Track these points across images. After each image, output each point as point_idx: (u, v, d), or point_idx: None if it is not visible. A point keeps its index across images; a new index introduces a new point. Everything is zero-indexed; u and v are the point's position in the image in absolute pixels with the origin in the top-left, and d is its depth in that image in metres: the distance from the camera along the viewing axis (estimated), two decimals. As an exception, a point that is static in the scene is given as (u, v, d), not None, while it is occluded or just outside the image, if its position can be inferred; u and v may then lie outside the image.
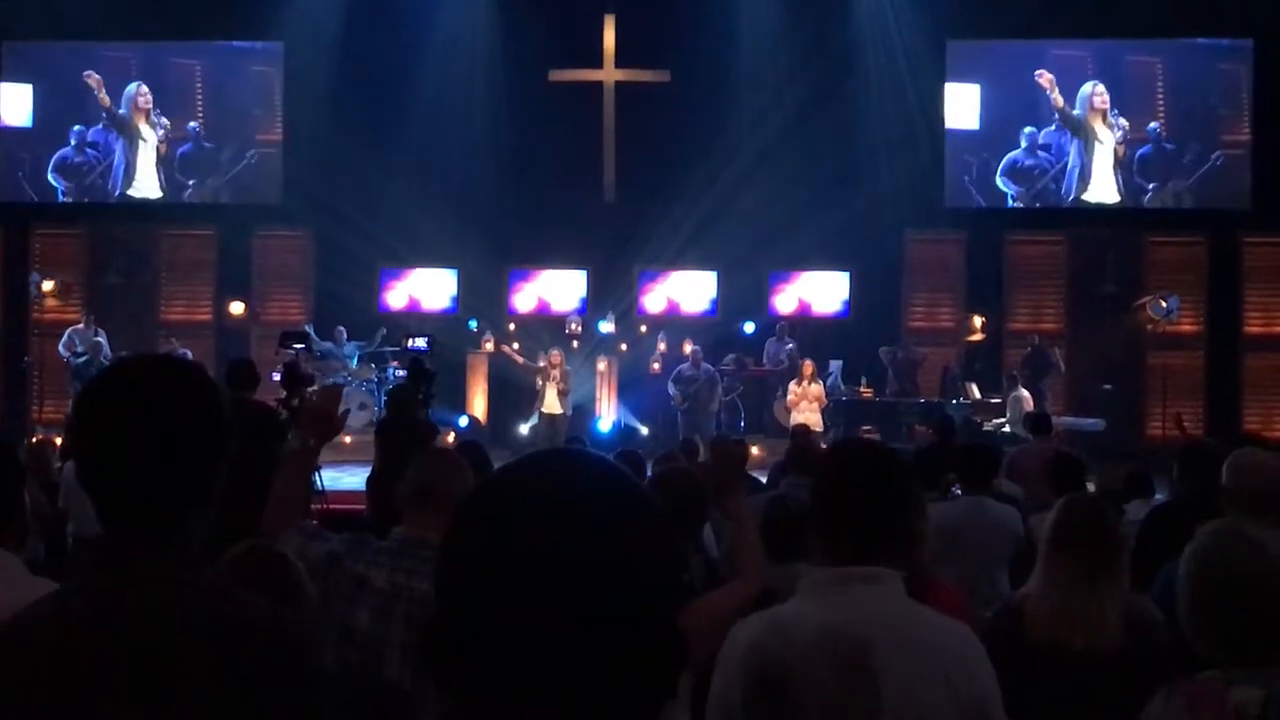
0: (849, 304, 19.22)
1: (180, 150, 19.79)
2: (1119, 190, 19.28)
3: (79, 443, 1.87)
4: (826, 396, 16.52)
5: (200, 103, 19.85)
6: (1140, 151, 19.25)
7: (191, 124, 19.79)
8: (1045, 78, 19.10)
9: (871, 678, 1.98)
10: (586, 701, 1.13)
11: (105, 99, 19.65)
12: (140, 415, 1.82)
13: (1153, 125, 19.17)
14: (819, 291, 19.37)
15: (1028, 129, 19.33)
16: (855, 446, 3.11)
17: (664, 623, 1.17)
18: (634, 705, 1.16)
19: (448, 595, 1.18)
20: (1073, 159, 19.28)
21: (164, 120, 19.75)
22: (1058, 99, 19.13)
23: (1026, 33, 18.81)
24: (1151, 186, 19.23)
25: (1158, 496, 7.61)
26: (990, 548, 5.75)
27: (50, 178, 19.83)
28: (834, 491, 2.62)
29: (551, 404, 15.90)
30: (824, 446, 12.92)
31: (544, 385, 15.99)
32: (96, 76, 19.61)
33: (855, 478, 2.61)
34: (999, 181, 19.37)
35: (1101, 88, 19.15)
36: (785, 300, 19.31)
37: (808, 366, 16.29)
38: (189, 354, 16.92)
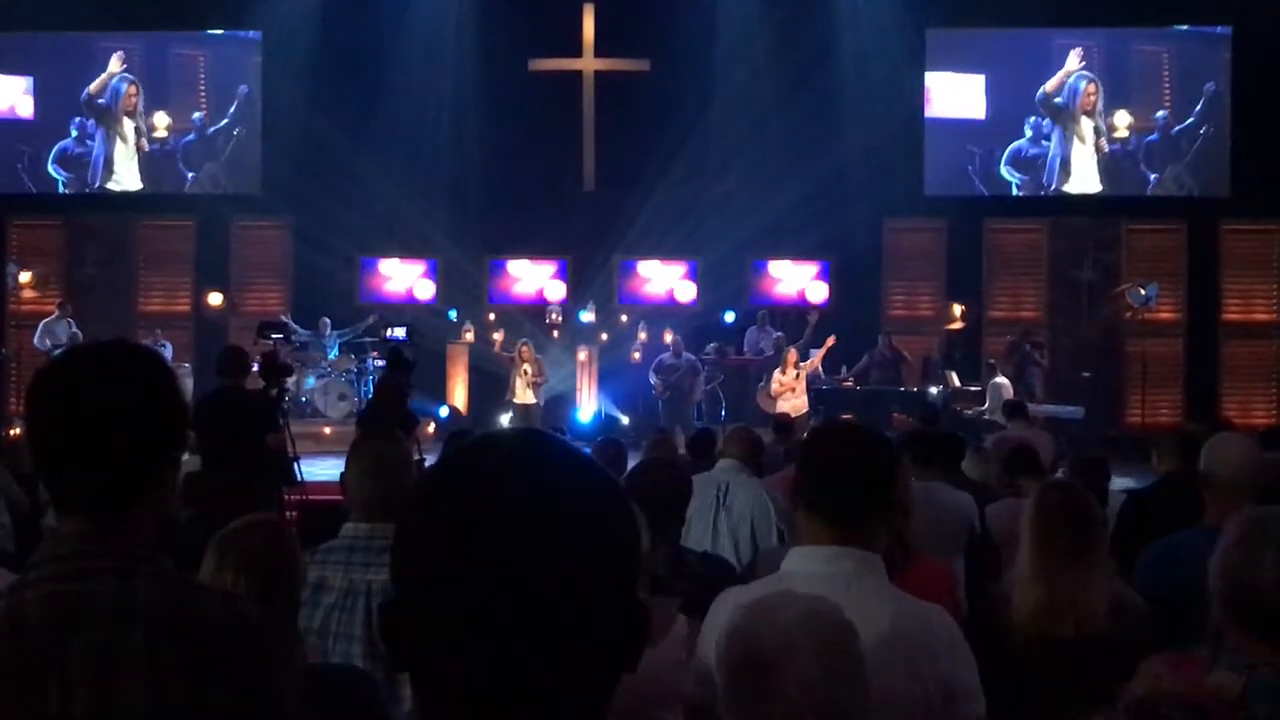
0: (829, 292, 19.23)
1: (184, 141, 19.68)
2: (1101, 182, 19.32)
3: (31, 431, 1.83)
4: (809, 382, 16.45)
5: (203, 91, 19.72)
6: (1148, 140, 19.28)
7: (196, 115, 19.66)
8: (1076, 58, 19.09)
9: (856, 662, 1.98)
10: (545, 675, 1.13)
11: (99, 85, 19.52)
12: (92, 403, 1.79)
13: (1161, 114, 19.21)
14: (799, 280, 19.38)
15: (1032, 118, 19.35)
16: (842, 425, 3.13)
17: (625, 599, 1.17)
18: (593, 679, 1.16)
19: (405, 573, 1.17)
20: (1054, 148, 19.32)
21: (149, 119, 19.62)
22: (1053, 84, 19.15)
23: (1007, 21, 18.83)
24: (1154, 177, 19.27)
25: (1127, 480, 7.64)
26: (943, 534, 5.74)
27: (51, 169, 19.70)
28: (823, 470, 2.63)
29: (522, 395, 15.93)
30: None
31: (513, 376, 16.02)
32: (123, 62, 19.50)
33: (844, 456, 2.62)
34: (1003, 171, 19.39)
35: (1095, 85, 19.18)
36: (765, 289, 19.32)
37: (791, 355, 16.27)
38: (169, 346, 16.88)
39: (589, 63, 19.00)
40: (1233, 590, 2.38)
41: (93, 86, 19.55)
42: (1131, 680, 2.36)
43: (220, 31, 19.69)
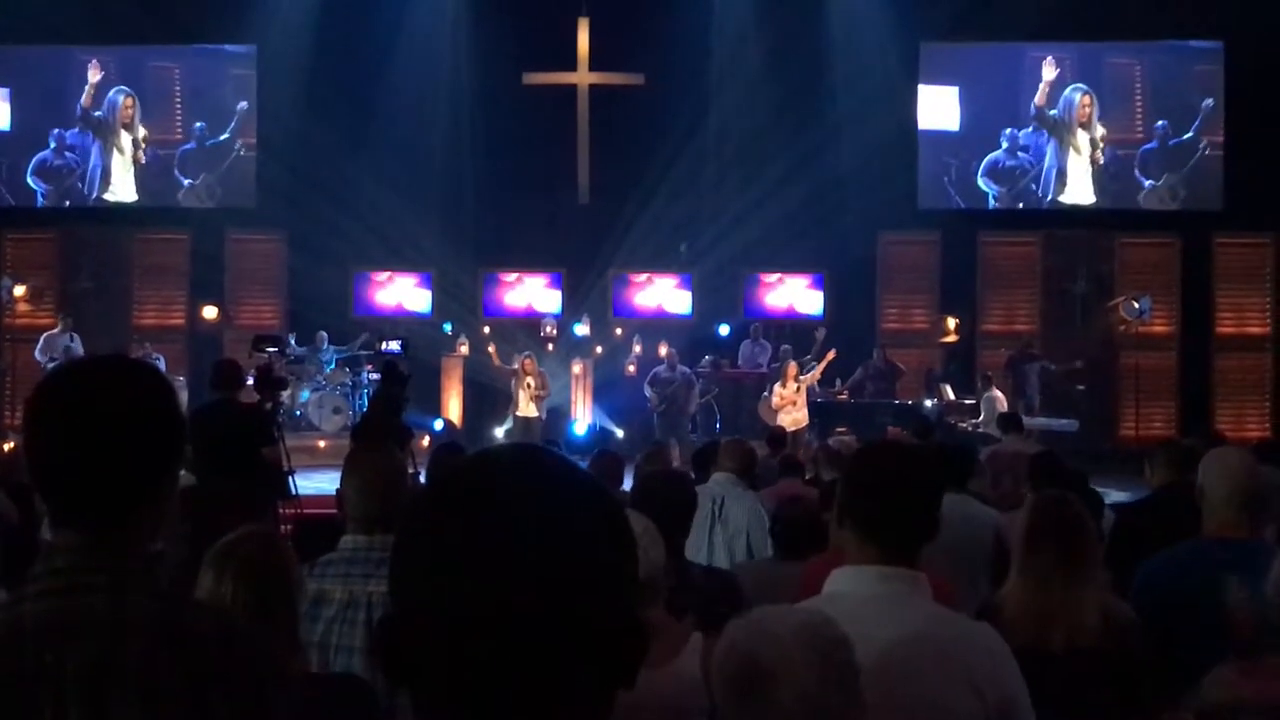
0: (824, 305, 19.25)
1: (181, 150, 19.67)
2: (1095, 193, 19.36)
3: (28, 445, 1.83)
4: (806, 394, 16.46)
5: (179, 104, 19.71)
6: (1144, 148, 19.33)
7: (198, 124, 19.65)
8: (1050, 68, 19.15)
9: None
10: (542, 691, 1.14)
11: (89, 99, 19.50)
12: (89, 417, 1.79)
13: (1161, 123, 19.26)
14: (794, 293, 19.40)
15: (1007, 130, 19.41)
16: (888, 446, 3.14)
17: (620, 614, 1.18)
18: (589, 694, 1.17)
19: (402, 589, 1.18)
20: (1049, 160, 19.38)
21: (142, 130, 19.61)
22: (1042, 97, 19.21)
23: (1000, 35, 18.89)
24: (1149, 184, 19.31)
25: (1123, 495, 7.64)
26: (971, 547, 5.72)
27: (30, 180, 19.66)
28: (872, 491, 2.64)
29: (525, 408, 15.87)
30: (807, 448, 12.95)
31: (516, 389, 15.98)
32: (100, 71, 19.45)
33: (893, 477, 2.64)
34: (980, 182, 19.44)
35: (1090, 98, 19.25)
36: (759, 302, 19.34)
37: (792, 368, 16.29)
38: (161, 359, 16.85)
39: (584, 76, 19.02)
40: None
41: (85, 100, 19.54)
42: (1202, 689, 2.37)
43: (215, 46, 19.67)
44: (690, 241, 19.00)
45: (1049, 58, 19.27)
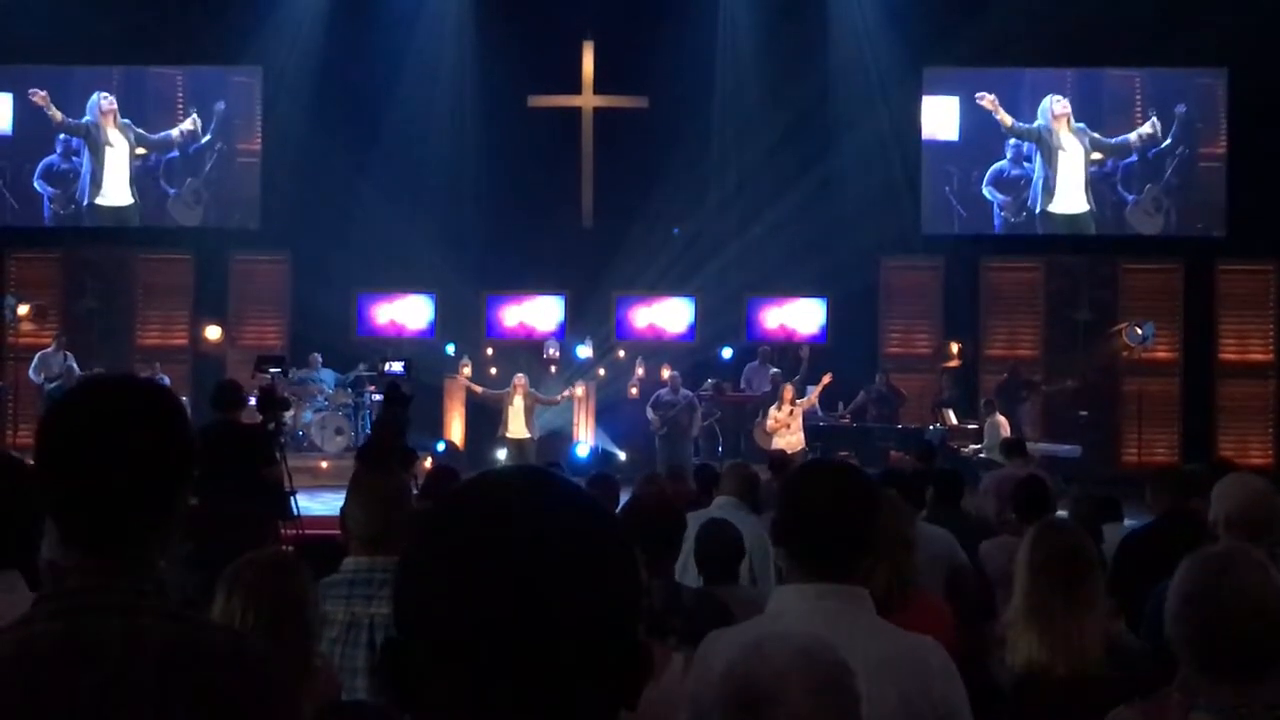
0: (826, 330, 19.25)
1: (167, 157, 19.66)
2: (1089, 200, 19.34)
3: (41, 465, 1.83)
4: (806, 419, 16.46)
5: (180, 111, 19.71)
6: (1125, 161, 19.33)
7: (177, 131, 19.62)
8: (987, 100, 19.14)
9: (851, 700, 1.98)
10: (549, 711, 1.14)
11: (57, 114, 19.37)
12: (103, 437, 1.79)
13: (1135, 134, 19.27)
14: (797, 317, 19.40)
15: (1012, 140, 19.39)
16: (824, 465, 3.15)
17: (625, 636, 1.18)
18: (595, 715, 1.17)
19: (408, 611, 1.18)
20: (1037, 171, 19.35)
21: (135, 128, 19.57)
22: (1004, 118, 19.20)
23: (1003, 60, 18.91)
24: (1131, 198, 19.31)
25: (1129, 521, 7.61)
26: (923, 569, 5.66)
27: (36, 184, 19.57)
28: (805, 510, 2.65)
29: (517, 430, 15.79)
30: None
31: (505, 410, 15.92)
32: (42, 94, 19.31)
33: (825, 496, 2.64)
34: (985, 191, 19.38)
35: (1060, 97, 19.24)
36: (763, 326, 19.35)
37: (788, 391, 16.30)
38: (167, 379, 16.85)
39: (588, 99, 19.08)
40: (1192, 635, 2.37)
41: (55, 121, 19.38)
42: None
43: (220, 67, 19.69)
44: (694, 262, 18.98)
45: (981, 92, 19.18)
